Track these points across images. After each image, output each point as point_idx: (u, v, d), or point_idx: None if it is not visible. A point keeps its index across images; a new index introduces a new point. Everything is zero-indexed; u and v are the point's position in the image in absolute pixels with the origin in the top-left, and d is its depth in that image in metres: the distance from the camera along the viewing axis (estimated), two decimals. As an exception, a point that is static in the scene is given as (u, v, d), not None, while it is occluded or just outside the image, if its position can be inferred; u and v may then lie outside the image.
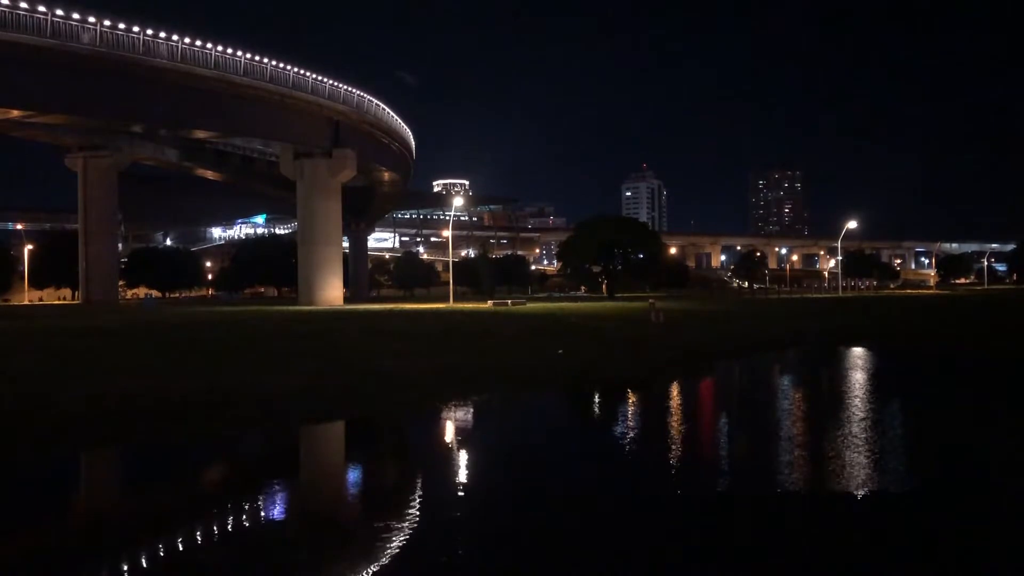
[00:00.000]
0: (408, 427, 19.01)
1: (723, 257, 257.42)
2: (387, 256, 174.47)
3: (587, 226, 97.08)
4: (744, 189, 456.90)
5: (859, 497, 11.35)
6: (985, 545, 9.48)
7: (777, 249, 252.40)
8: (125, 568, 9.37)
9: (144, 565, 9.35)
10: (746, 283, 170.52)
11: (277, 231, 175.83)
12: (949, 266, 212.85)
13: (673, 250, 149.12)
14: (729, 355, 33.54)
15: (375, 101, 73.87)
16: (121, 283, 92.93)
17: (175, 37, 54.73)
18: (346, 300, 72.00)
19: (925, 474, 13.08)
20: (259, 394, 19.66)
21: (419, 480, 13.48)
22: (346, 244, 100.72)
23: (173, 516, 11.47)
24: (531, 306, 54.50)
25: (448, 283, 75.77)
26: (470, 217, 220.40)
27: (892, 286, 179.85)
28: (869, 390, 22.54)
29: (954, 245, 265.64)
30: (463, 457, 14.89)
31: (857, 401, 20.21)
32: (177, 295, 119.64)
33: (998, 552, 9.28)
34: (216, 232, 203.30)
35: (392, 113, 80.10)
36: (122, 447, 16.14)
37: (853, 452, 13.92)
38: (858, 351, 34.98)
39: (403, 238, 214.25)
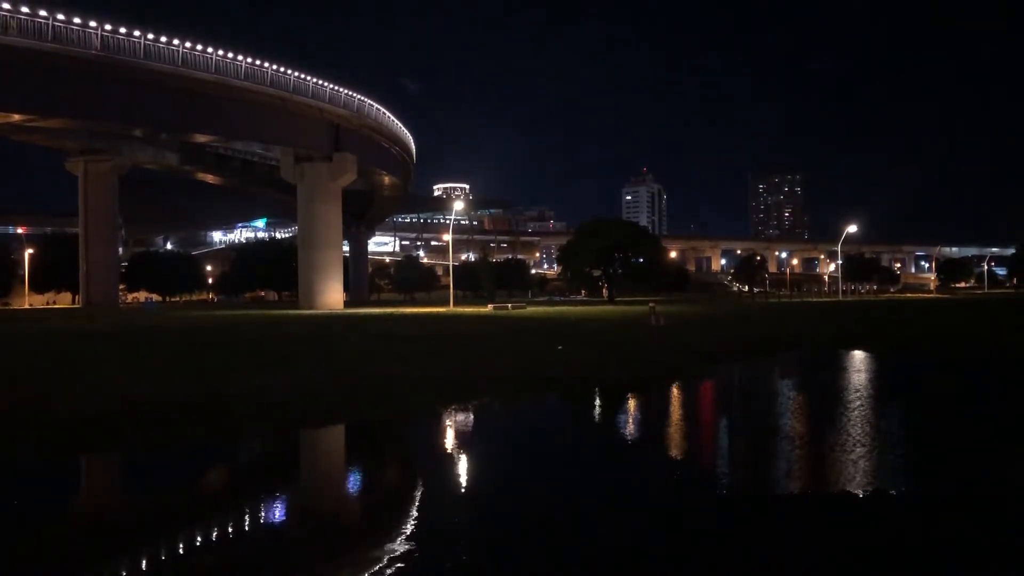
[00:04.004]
0: (409, 431, 18.99)
1: (723, 261, 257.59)
2: (387, 260, 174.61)
3: (587, 230, 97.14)
4: (744, 193, 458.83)
5: (858, 495, 11.36)
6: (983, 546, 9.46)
7: (777, 253, 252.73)
8: (124, 572, 9.35)
9: (144, 568, 9.33)
10: (746, 287, 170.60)
11: (277, 235, 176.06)
12: (949, 270, 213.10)
13: (673, 254, 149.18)
14: (731, 357, 33.52)
15: (375, 105, 73.98)
16: (121, 287, 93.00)
17: (175, 41, 54.85)
18: (346, 304, 72.01)
19: (918, 473, 13.09)
20: (259, 398, 19.64)
21: (421, 486, 13.46)
22: (346, 248, 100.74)
23: (172, 520, 11.44)
24: (531, 310, 54.50)
25: (448, 287, 75.80)
26: (470, 221, 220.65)
27: (892, 290, 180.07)
28: (870, 393, 22.52)
29: (954, 249, 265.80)
30: (465, 462, 14.87)
31: (858, 403, 20.19)
32: (177, 299, 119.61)
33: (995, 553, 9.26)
34: (216, 236, 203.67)
35: (392, 117, 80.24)
36: (121, 450, 16.11)
37: (853, 452, 13.96)
38: (858, 355, 34.95)
39: (403, 242, 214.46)
